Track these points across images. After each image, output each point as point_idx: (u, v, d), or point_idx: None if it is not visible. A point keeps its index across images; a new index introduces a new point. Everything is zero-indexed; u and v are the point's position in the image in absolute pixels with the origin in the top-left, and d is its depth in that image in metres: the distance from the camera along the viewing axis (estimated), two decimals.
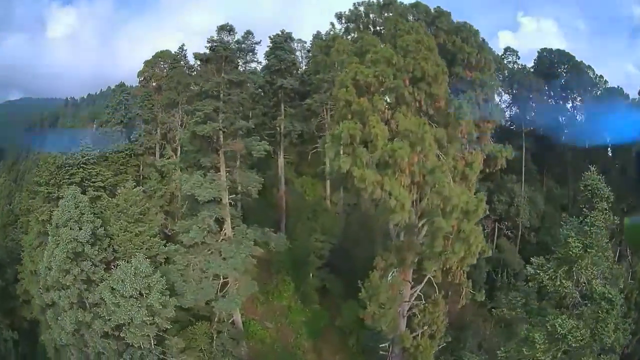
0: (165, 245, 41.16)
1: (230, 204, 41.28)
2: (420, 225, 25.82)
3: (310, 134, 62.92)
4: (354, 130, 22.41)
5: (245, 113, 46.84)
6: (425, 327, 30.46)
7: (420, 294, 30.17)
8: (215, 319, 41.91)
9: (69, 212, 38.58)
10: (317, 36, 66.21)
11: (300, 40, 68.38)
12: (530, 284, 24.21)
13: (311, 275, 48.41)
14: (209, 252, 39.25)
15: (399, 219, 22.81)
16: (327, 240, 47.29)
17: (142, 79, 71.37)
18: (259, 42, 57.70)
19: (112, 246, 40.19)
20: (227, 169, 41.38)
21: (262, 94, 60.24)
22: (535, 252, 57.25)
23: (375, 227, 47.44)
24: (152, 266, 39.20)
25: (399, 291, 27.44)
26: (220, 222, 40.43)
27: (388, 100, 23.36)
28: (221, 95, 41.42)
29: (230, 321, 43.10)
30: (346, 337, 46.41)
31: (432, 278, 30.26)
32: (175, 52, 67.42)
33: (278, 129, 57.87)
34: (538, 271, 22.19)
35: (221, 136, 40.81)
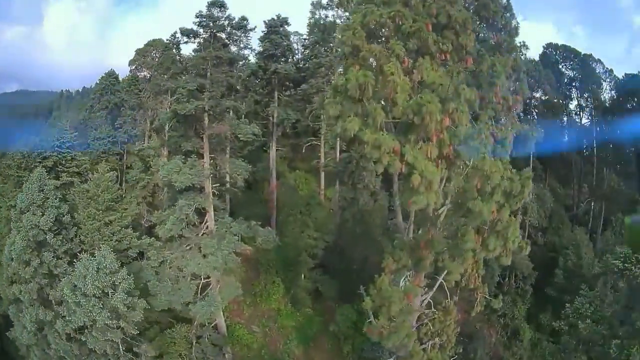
0: (138, 239, 35.85)
1: (214, 194, 35.99)
2: (444, 212, 20.22)
3: (304, 126, 57.88)
4: (365, 78, 16.67)
5: (234, 96, 41.54)
6: (436, 338, 25.30)
7: (429, 300, 24.95)
8: (195, 323, 36.49)
9: (32, 195, 33.40)
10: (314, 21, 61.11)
11: (297, 33, 63.33)
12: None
13: (303, 276, 43.12)
14: (188, 247, 33.91)
15: (423, 203, 17.05)
16: (321, 237, 42.06)
17: (134, 67, 67.14)
18: (254, 29, 52.70)
19: (79, 236, 34.90)
20: (212, 156, 36.13)
21: (255, 80, 54.94)
22: (543, 254, 53.07)
23: (375, 223, 42.52)
24: (124, 261, 34.24)
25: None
26: (202, 214, 35.12)
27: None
28: (208, 73, 36.25)
29: (213, 325, 37.73)
30: (340, 345, 41.24)
31: (444, 282, 25.07)
32: (167, 39, 62.17)
33: (271, 118, 52.57)
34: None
35: (206, 118, 35.60)
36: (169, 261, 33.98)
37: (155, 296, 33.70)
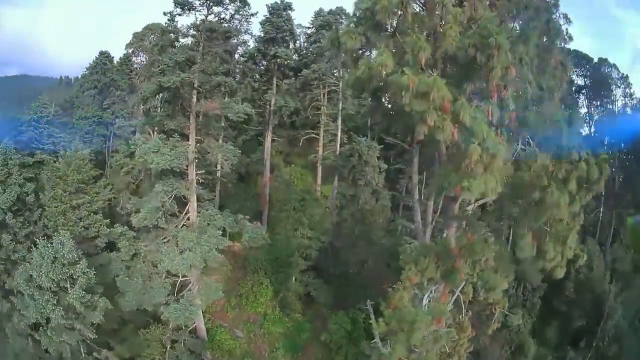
0: (109, 227, 31.13)
1: (198, 181, 31.30)
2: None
3: (303, 118, 53.36)
4: None
5: (229, 75, 36.98)
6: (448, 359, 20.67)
7: None
8: (171, 325, 31.74)
9: None
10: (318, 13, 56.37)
11: (300, 25, 58.68)
12: None
13: (294, 278, 38.45)
14: (164, 240, 29.17)
15: (480, 190, 11.52)
16: (316, 237, 37.44)
17: (130, 51, 62.81)
18: (256, 14, 48.30)
19: (43, 219, 30.19)
20: (199, 138, 31.46)
21: (253, 66, 50.24)
22: None
23: (376, 224, 37.96)
24: (91, 252, 29.54)
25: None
26: (183, 203, 30.41)
27: None
28: (200, 47, 31.71)
29: (191, 328, 32.97)
30: (332, 355, 36.50)
31: (460, 295, 20.50)
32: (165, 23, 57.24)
33: (268, 106, 47.90)
34: None
35: (194, 95, 30.98)
36: (142, 255, 29.15)
37: (122, 294, 29.06)
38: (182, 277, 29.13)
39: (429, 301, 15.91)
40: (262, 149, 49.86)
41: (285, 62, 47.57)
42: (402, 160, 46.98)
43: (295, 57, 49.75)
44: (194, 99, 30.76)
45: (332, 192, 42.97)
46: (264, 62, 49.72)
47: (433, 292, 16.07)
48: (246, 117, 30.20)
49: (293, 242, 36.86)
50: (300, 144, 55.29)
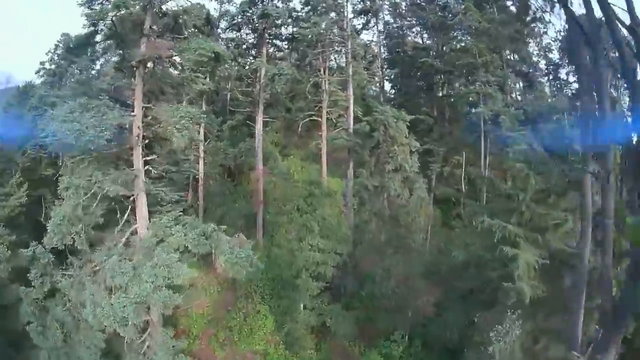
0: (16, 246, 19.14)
1: (150, 173, 19.25)
2: None
3: (302, 98, 41.38)
4: None
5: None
6: None
7: None
8: None
9: None
10: None
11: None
12: None
13: (302, 305, 26.38)
14: (94, 268, 17.01)
15: None
16: (330, 248, 25.42)
17: None
18: None
19: None
20: (148, 105, 19.40)
21: (238, 29, 38.06)
22: None
23: (414, 225, 26.03)
24: None
25: None
26: (122, 205, 18.30)
27: None
28: None
29: None
30: None
31: None
32: None
33: (257, 80, 35.73)
34: None
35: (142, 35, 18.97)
36: (62, 293, 17.00)
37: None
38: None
39: None
40: (254, 137, 37.68)
41: (278, 23, 35.57)
42: (429, 140, 35.13)
43: (291, 18, 37.47)
44: (142, 44, 18.72)
45: (345, 185, 30.80)
46: (251, 27, 37.61)
47: None
48: (215, 55, 17.94)
49: (299, 258, 24.88)
50: (299, 131, 43.31)
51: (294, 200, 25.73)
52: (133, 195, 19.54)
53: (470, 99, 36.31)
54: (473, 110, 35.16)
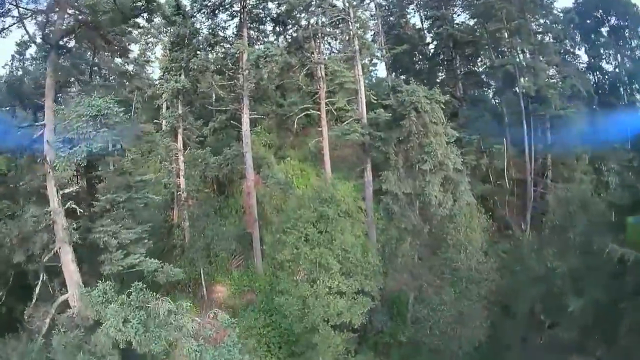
0: None
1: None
2: None
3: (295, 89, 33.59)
4: None
5: None
6: None
7: None
8: None
9: None
10: None
11: None
12: None
13: None
14: None
15: None
16: (357, 289, 17.55)
17: None
18: None
19: None
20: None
21: (212, 12, 29.90)
22: None
23: (472, 243, 18.37)
24: None
25: None
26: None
27: None
28: None
29: None
30: None
31: None
32: None
33: (240, 70, 27.78)
34: None
35: None
36: None
37: None
38: None
39: None
40: (241, 140, 29.71)
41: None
42: (456, 126, 27.21)
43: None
44: None
45: (364, 193, 22.81)
46: (227, 6, 29.57)
47: None
48: None
49: (315, 308, 16.91)
50: (295, 129, 35.41)
51: (300, 228, 17.70)
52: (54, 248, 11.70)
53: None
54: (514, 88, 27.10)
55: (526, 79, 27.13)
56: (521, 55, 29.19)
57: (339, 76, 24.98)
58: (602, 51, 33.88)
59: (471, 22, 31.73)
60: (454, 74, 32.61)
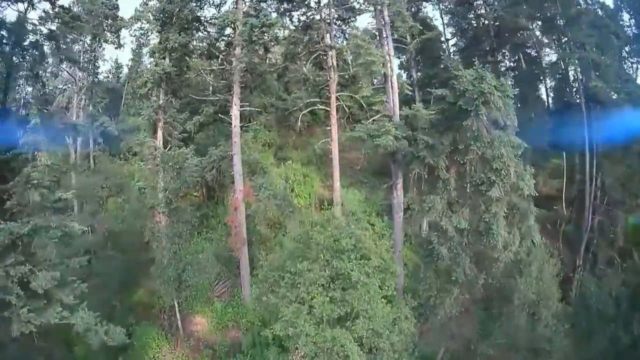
0: None
1: None
2: None
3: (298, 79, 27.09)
4: None
5: None
6: None
7: None
8: None
9: None
10: None
11: None
12: None
13: None
14: None
15: None
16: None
17: None
18: None
19: None
20: None
21: None
22: None
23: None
24: None
25: None
26: None
27: None
28: None
29: None
30: None
31: None
32: None
33: (230, 57, 21.22)
34: None
35: None
36: None
37: None
38: None
39: None
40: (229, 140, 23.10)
41: None
42: None
43: None
44: None
45: (393, 219, 16.06)
46: None
47: None
48: None
49: None
50: (299, 127, 28.88)
51: (301, 291, 11.04)
52: None
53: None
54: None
55: (592, 77, 20.55)
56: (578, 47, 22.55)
57: (363, 54, 18.14)
58: None
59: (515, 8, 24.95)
60: (495, 68, 25.72)
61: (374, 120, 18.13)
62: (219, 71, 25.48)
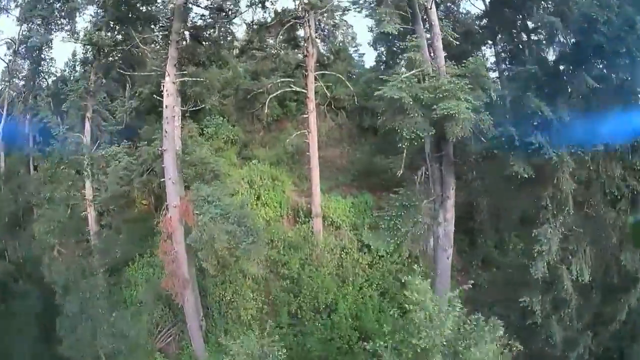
0: None
1: None
2: None
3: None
4: None
5: None
6: None
7: None
8: None
9: None
10: None
11: None
12: None
13: None
14: None
15: None
16: None
17: None
18: None
19: None
20: None
21: None
22: None
23: None
24: None
25: None
26: None
27: None
28: None
29: None
30: None
31: None
32: None
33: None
34: None
35: None
36: None
37: None
38: None
39: None
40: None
41: None
42: None
43: None
44: None
45: (436, 257, 9.17)
46: None
47: None
48: None
49: None
50: (266, 117, 22.01)
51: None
52: None
53: None
54: None
55: None
56: None
57: None
58: None
59: None
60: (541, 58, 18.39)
61: (411, 74, 10.13)
62: (162, 39, 18.30)
